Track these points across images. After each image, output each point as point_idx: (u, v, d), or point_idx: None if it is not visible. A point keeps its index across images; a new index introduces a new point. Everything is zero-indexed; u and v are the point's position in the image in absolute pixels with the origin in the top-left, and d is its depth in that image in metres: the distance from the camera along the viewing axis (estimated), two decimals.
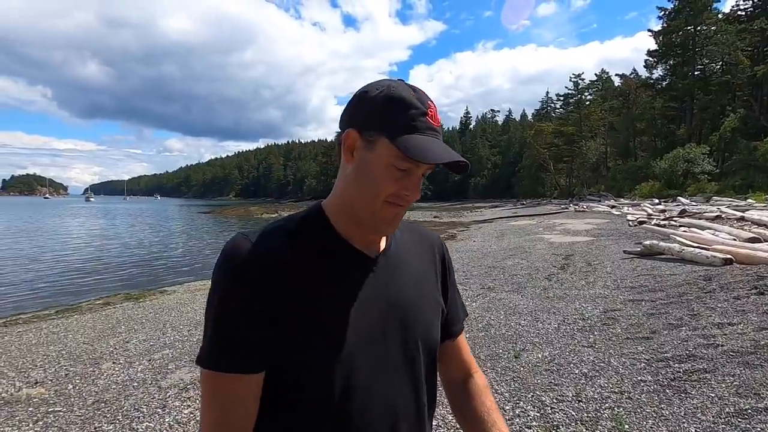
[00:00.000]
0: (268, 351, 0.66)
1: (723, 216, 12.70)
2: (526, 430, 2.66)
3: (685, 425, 2.55)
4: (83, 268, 12.27)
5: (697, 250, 7.11)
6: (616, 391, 3.05)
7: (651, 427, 2.57)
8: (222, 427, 0.66)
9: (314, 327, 0.67)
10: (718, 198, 20.14)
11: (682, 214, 14.79)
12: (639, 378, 3.22)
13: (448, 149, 0.69)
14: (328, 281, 0.70)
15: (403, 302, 0.75)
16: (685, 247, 7.50)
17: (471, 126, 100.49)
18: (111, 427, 2.98)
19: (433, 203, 62.42)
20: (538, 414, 2.84)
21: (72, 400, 3.46)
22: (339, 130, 0.74)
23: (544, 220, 20.32)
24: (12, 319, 6.85)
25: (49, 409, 3.30)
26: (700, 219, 12.50)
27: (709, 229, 9.90)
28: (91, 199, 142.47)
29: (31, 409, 3.33)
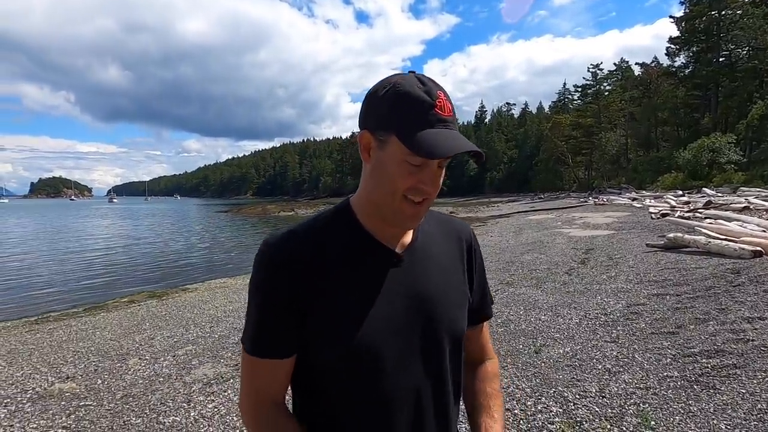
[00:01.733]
0: (296, 340, 0.73)
1: (751, 207, 12.27)
2: (549, 426, 2.63)
3: (715, 422, 2.48)
4: (109, 268, 12.65)
5: (725, 243, 6.88)
6: (642, 387, 2.99)
7: (678, 424, 2.51)
8: (255, 395, 0.76)
9: (339, 320, 0.72)
10: (746, 188, 19.43)
11: (708, 205, 14.34)
12: (665, 374, 3.15)
13: (459, 139, 0.69)
14: (354, 277, 0.74)
15: (428, 295, 0.78)
16: (711, 240, 7.27)
17: (486, 120, 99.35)
18: (139, 421, 3.07)
19: (449, 198, 62.06)
20: (560, 410, 2.80)
21: (101, 394, 3.58)
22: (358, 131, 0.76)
23: (563, 214, 19.98)
24: (43, 317, 7.12)
25: (81, 403, 3.42)
26: (726, 210, 12.10)
27: (737, 220, 9.59)
28: (114, 200, 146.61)
29: (63, 403, 3.45)
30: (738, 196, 16.71)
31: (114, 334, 5.45)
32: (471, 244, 0.89)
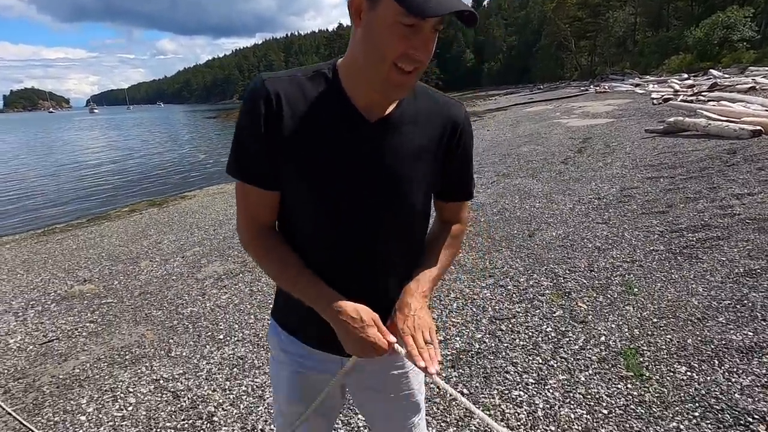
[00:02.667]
0: (271, 173, 0.80)
1: (757, 87, 11.85)
2: (539, 297, 2.85)
3: (693, 286, 2.69)
4: (106, 180, 12.58)
5: (725, 124, 6.77)
6: (628, 260, 3.18)
7: (659, 289, 2.71)
8: (250, 220, 0.85)
9: (304, 164, 0.78)
10: (755, 68, 18.56)
11: (713, 88, 13.82)
12: (651, 248, 3.32)
13: None
14: (323, 133, 0.78)
15: (388, 169, 0.81)
16: (711, 122, 7.14)
17: (485, 3, 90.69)
18: (160, 313, 3.31)
19: (445, 93, 59.57)
20: (551, 283, 3.01)
21: (120, 293, 3.80)
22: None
23: (562, 105, 19.36)
24: (49, 229, 7.26)
25: (102, 302, 3.65)
26: (732, 92, 11.70)
27: (741, 101, 9.32)
28: (96, 111, 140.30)
29: (86, 302, 3.68)
30: (746, 76, 16.03)
31: (121, 240, 5.62)
32: (458, 128, 0.87)
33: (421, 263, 0.91)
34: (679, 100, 12.07)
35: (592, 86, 29.63)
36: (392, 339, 0.78)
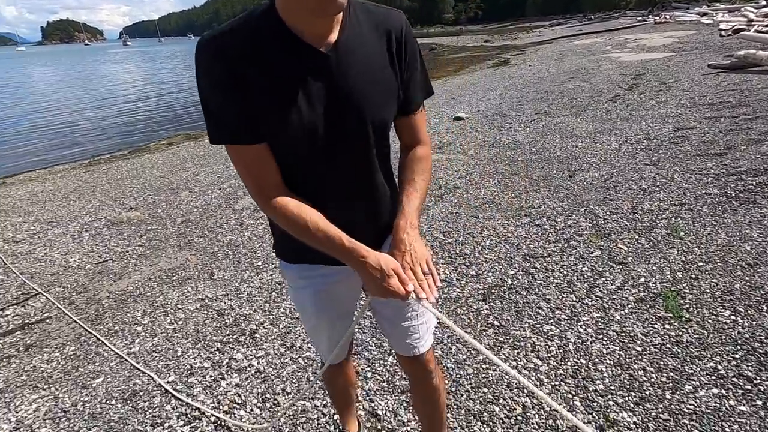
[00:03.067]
0: (249, 124, 0.79)
1: None
2: (576, 237, 2.77)
3: (747, 231, 2.53)
4: (143, 113, 12.82)
5: None
6: (676, 204, 3.01)
7: (709, 234, 2.58)
8: (258, 184, 0.86)
9: (274, 111, 0.78)
10: None
11: None
12: (703, 191, 3.12)
13: None
14: (281, 75, 0.78)
15: (353, 89, 0.82)
16: None
17: None
18: (201, 240, 3.47)
19: (484, 25, 55.47)
20: (590, 224, 2.91)
21: (164, 221, 4.00)
22: None
23: (615, 37, 17.65)
24: (94, 160, 7.59)
25: (148, 228, 3.86)
26: None
27: None
28: (129, 43, 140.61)
29: (133, 227, 3.90)
30: None
31: (162, 172, 5.81)
32: (402, 36, 0.87)
33: (401, 195, 0.94)
34: (752, 30, 10.72)
35: (650, 16, 26.71)
36: (410, 288, 0.83)
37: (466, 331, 2.06)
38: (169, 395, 1.89)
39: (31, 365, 2.20)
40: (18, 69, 45.76)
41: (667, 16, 23.14)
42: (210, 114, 0.81)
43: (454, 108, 7.42)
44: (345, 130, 0.84)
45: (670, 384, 1.62)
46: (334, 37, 0.80)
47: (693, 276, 2.23)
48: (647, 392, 1.60)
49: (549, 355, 1.85)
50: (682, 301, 2.05)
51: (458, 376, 1.80)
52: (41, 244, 3.72)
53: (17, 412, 1.89)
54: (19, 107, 15.74)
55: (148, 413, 1.81)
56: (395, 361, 1.93)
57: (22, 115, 13.82)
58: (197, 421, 1.74)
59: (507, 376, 1.76)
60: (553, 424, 1.53)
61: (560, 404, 1.59)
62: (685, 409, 1.51)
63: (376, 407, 1.70)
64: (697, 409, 1.51)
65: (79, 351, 2.28)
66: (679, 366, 1.69)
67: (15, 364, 2.23)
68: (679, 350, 1.77)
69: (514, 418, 1.57)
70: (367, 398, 1.75)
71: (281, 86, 0.78)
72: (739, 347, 1.74)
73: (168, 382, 1.96)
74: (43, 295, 2.86)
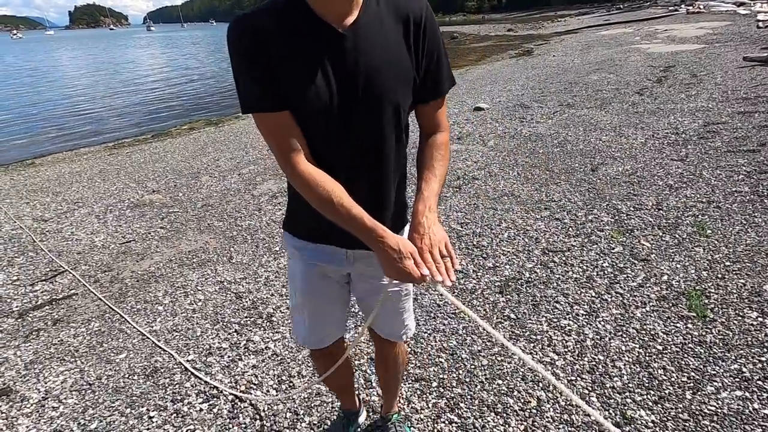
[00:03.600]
0: (273, 93, 0.84)
1: None
2: (598, 232, 2.72)
3: None
4: (165, 98, 13.02)
5: None
6: (704, 201, 2.92)
7: (737, 232, 2.50)
8: (279, 150, 0.88)
9: (292, 86, 0.84)
10: None
11: None
12: (733, 189, 3.01)
13: None
14: (302, 52, 0.83)
15: (370, 68, 0.85)
16: None
17: None
18: (221, 224, 3.53)
19: (508, 14, 54.22)
20: (612, 220, 2.85)
21: (185, 204, 4.07)
22: None
23: (644, 27, 17.05)
24: (118, 144, 7.76)
25: (170, 210, 3.94)
26: None
27: None
28: (152, 28, 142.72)
29: (155, 210, 3.99)
30: None
31: (183, 156, 5.91)
32: (420, 21, 0.89)
33: (420, 181, 0.95)
34: None
35: (683, 5, 25.67)
36: (425, 272, 0.83)
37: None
38: (189, 373, 1.94)
39: (59, 339, 2.29)
40: (50, 53, 46.93)
41: (701, 6, 22.21)
42: (241, 84, 0.86)
43: (475, 98, 7.31)
44: (357, 106, 0.87)
45: (691, 384, 1.58)
46: (352, 18, 0.84)
47: (719, 276, 2.17)
48: (667, 391, 1.57)
49: (566, 349, 1.83)
50: (706, 301, 2.00)
51: (473, 366, 1.79)
52: (68, 224, 3.84)
53: (45, 383, 1.98)
54: (52, 91, 16.16)
55: (168, 389, 1.86)
56: (410, 349, 1.94)
57: (53, 99, 14.20)
58: (215, 399, 1.79)
59: (522, 368, 1.75)
60: (568, 419, 1.51)
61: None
62: (706, 410, 1.48)
63: None
64: (719, 410, 1.48)
65: (104, 327, 2.36)
66: (701, 366, 1.65)
67: (44, 337, 2.32)
68: (701, 350, 1.73)
69: (529, 410, 1.57)
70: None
71: (301, 61, 0.83)
72: (765, 350, 1.69)
73: (188, 361, 2.02)
74: (70, 273, 2.96)
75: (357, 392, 1.61)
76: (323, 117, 0.86)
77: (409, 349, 1.94)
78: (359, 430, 1.57)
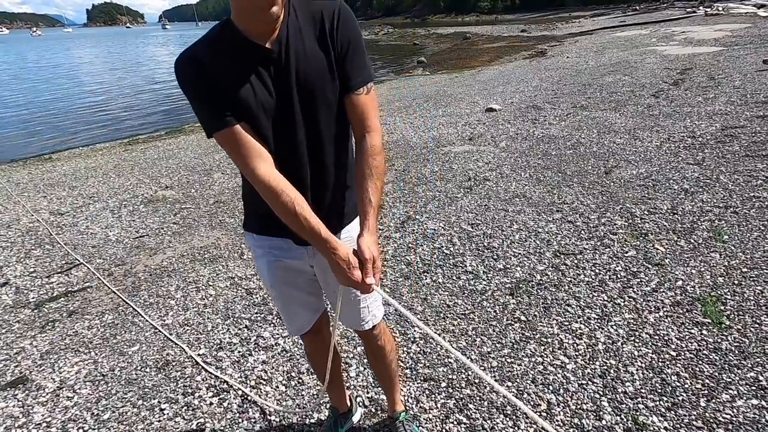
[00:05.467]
0: (223, 111, 0.94)
1: None
2: (611, 235, 2.69)
3: None
4: (179, 95, 13.16)
5: None
6: (721, 206, 2.86)
7: (755, 239, 2.45)
8: (243, 161, 0.96)
9: (235, 95, 0.94)
10: None
11: None
12: (752, 194, 2.96)
13: None
14: (237, 70, 0.94)
15: (294, 74, 0.96)
16: None
17: None
18: (232, 220, 3.56)
19: (521, 14, 53.80)
20: (625, 223, 2.81)
21: (197, 200, 4.11)
22: None
23: (660, 29, 16.79)
24: (133, 140, 7.87)
25: (182, 206, 3.99)
26: None
27: None
28: (168, 27, 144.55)
29: (168, 205, 4.04)
30: None
31: (196, 153, 5.97)
32: (333, 21, 0.98)
33: (358, 203, 1.03)
34: None
35: (701, 7, 25.27)
36: (370, 281, 0.97)
37: (491, 324, 2.04)
38: (200, 367, 1.96)
39: (73, 330, 2.33)
40: (69, 51, 47.84)
41: (720, 8, 21.84)
42: (198, 111, 0.97)
43: (487, 99, 7.27)
44: (293, 108, 0.98)
45: (706, 391, 1.56)
46: (276, 33, 0.95)
47: (735, 282, 2.13)
48: (680, 398, 1.54)
49: (577, 353, 1.81)
50: (722, 308, 1.96)
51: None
52: (83, 218, 3.90)
53: (60, 373, 2.01)
54: (71, 88, 16.47)
55: (179, 383, 1.89)
56: (419, 349, 1.94)
57: (71, 96, 14.46)
58: (225, 393, 1.81)
59: (533, 371, 1.73)
60: (579, 423, 1.50)
61: (586, 404, 1.57)
62: (720, 418, 1.46)
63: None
64: (734, 419, 1.45)
65: (117, 320, 2.39)
66: (716, 374, 1.62)
67: (59, 328, 2.36)
68: (716, 357, 1.70)
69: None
70: None
71: (239, 78, 0.94)
72: None
73: (199, 355, 2.04)
74: (85, 266, 3.01)
75: (350, 393, 1.62)
76: (267, 121, 0.97)
77: (418, 349, 1.94)
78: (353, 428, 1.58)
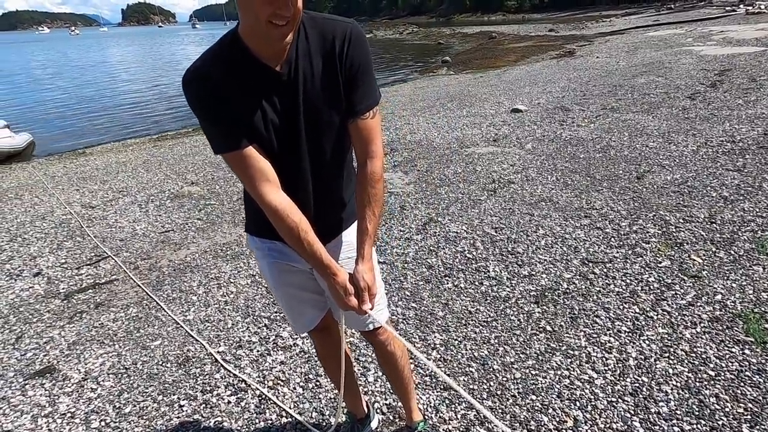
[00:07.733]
0: (238, 132, 0.95)
1: None
2: (643, 244, 2.57)
3: None
4: None
5: None
6: (764, 215, 2.70)
7: None
8: (252, 183, 0.98)
9: (245, 116, 0.95)
10: None
11: None
12: None
13: None
14: (245, 89, 0.95)
15: (302, 96, 0.97)
16: None
17: None
18: None
19: (550, 13, 52.69)
20: (659, 231, 2.69)
21: (221, 197, 4.17)
22: None
23: (697, 28, 16.12)
24: (162, 137, 8.08)
25: (207, 203, 4.05)
26: None
27: None
28: (198, 26, 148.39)
29: (193, 201, 4.10)
30: None
31: None
32: (343, 45, 0.97)
33: (357, 232, 1.07)
34: None
35: (742, 5, 24.15)
36: (366, 308, 1.04)
37: (514, 333, 1.97)
38: (219, 364, 1.97)
39: (100, 322, 2.38)
40: (106, 50, 49.80)
41: (763, 6, 20.81)
42: (207, 131, 0.98)
43: (512, 99, 7.12)
44: (299, 129, 0.99)
45: (749, 416, 1.45)
46: (285, 55, 0.95)
47: None
48: (719, 422, 1.45)
49: (606, 368, 1.73)
50: (766, 326, 1.84)
51: (505, 379, 1.72)
52: (113, 212, 4.01)
53: (86, 364, 2.06)
54: (106, 86, 17.10)
55: (199, 379, 1.90)
56: (440, 356, 1.89)
57: (107, 93, 15.02)
58: (243, 392, 1.80)
59: (558, 384, 1.66)
60: None
61: (616, 423, 1.49)
62: None
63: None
64: None
65: (141, 313, 2.43)
66: (761, 397, 1.51)
67: (86, 319, 2.42)
68: (761, 380, 1.58)
69: (564, 430, 1.49)
70: None
71: (249, 99, 0.95)
72: None
73: (219, 352, 2.05)
74: (113, 259, 3.09)
75: (367, 399, 1.58)
76: (275, 141, 0.98)
77: (438, 356, 1.89)
78: None
